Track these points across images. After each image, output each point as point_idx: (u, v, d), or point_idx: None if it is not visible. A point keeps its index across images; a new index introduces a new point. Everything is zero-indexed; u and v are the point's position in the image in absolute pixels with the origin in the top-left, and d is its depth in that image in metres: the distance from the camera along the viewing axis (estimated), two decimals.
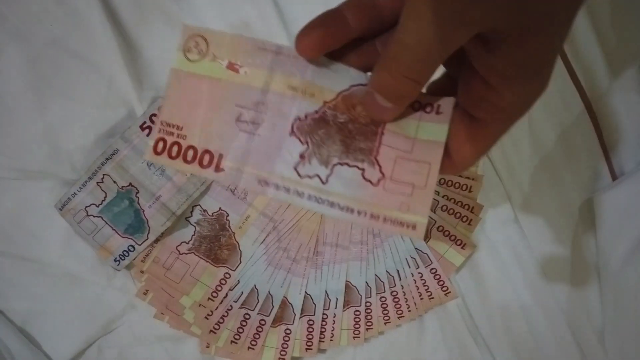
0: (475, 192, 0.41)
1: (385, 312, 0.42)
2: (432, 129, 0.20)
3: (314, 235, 0.41)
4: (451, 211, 0.41)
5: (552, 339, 0.42)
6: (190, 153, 0.21)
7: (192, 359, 0.42)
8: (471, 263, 0.42)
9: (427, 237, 0.41)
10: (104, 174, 0.39)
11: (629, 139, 0.41)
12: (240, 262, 0.41)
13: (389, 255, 0.41)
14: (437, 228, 0.41)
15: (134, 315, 0.42)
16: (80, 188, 0.39)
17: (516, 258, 0.42)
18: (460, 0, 0.15)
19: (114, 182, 0.39)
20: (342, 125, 0.21)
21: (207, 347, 0.41)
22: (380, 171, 0.21)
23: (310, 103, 0.21)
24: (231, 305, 0.41)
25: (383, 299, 0.42)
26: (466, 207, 0.41)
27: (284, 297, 0.42)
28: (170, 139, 0.21)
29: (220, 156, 0.21)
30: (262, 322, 0.41)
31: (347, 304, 0.42)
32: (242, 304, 0.41)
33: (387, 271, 0.41)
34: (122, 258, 0.40)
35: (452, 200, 0.41)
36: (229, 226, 0.41)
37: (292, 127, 0.21)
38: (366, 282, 0.41)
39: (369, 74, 0.21)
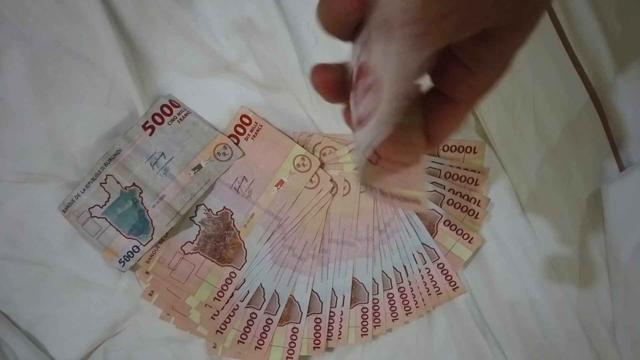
0: (482, 185, 0.40)
1: (393, 309, 0.41)
2: (411, 114, 0.21)
3: (319, 233, 0.41)
4: (457, 205, 0.40)
5: (562, 333, 0.41)
6: None
7: None
8: (479, 257, 0.42)
9: (433, 232, 0.41)
10: (107, 175, 0.38)
11: (636, 129, 0.40)
12: (246, 261, 0.41)
13: (395, 252, 0.41)
14: (444, 222, 0.40)
15: (139, 316, 0.42)
16: (84, 189, 0.39)
17: (524, 251, 0.41)
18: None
19: (117, 182, 0.39)
20: None
21: (214, 347, 0.41)
22: (376, 152, 0.22)
23: None
24: (237, 305, 0.41)
25: (390, 296, 0.41)
26: (472, 200, 0.40)
27: (291, 295, 0.41)
28: None
29: None
30: (269, 321, 0.41)
31: (354, 302, 0.41)
32: (248, 304, 0.41)
33: (394, 267, 0.41)
34: (127, 259, 0.39)
35: (459, 194, 0.40)
36: (234, 225, 0.41)
37: None
38: (373, 278, 0.41)
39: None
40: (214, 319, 0.40)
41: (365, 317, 0.41)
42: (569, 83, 0.40)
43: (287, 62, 0.38)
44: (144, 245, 0.39)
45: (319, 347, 0.41)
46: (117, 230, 0.39)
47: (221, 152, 0.40)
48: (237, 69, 0.39)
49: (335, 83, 0.20)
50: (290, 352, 0.41)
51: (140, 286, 0.41)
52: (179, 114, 0.40)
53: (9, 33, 0.37)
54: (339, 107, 0.22)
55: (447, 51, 0.19)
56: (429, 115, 0.21)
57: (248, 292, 0.41)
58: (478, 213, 0.40)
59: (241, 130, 0.41)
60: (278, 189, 0.41)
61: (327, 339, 0.41)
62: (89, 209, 0.39)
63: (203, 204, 0.41)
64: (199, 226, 0.41)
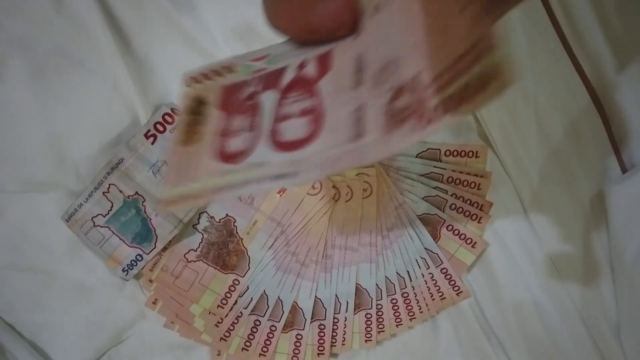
0: (484, 189, 0.40)
1: (397, 314, 0.41)
2: None
3: (322, 238, 0.41)
4: (460, 209, 0.40)
5: (567, 335, 0.41)
6: None
7: None
8: (482, 261, 0.42)
9: (436, 236, 0.41)
10: (109, 184, 0.39)
11: (638, 130, 0.40)
12: (249, 267, 0.41)
13: (398, 257, 0.41)
14: (447, 227, 0.40)
15: (144, 324, 0.42)
16: (87, 199, 0.39)
17: (528, 255, 0.41)
18: None
19: (120, 191, 0.39)
20: None
21: (219, 354, 0.41)
22: None
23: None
24: (241, 312, 0.41)
25: (394, 301, 0.41)
26: (475, 205, 0.40)
27: (294, 302, 0.41)
28: None
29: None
30: (273, 328, 0.41)
31: (357, 307, 0.41)
32: (252, 310, 0.41)
33: (397, 272, 0.41)
34: (131, 268, 0.39)
35: (461, 199, 0.40)
36: (237, 232, 0.41)
37: None
38: (376, 284, 0.41)
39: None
40: (217, 326, 0.40)
41: (369, 322, 0.41)
42: (570, 84, 0.40)
43: None
44: (147, 254, 0.39)
45: (323, 354, 0.41)
46: (120, 239, 0.39)
47: None
48: None
49: None
50: (295, 358, 0.41)
51: (144, 294, 0.41)
52: None
53: (10, 41, 0.37)
54: None
55: None
56: None
57: (252, 299, 0.41)
58: (481, 217, 0.40)
59: None
60: (280, 195, 0.41)
61: (331, 345, 0.41)
62: (92, 218, 0.39)
63: (206, 212, 0.41)
64: (202, 234, 0.41)
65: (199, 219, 0.41)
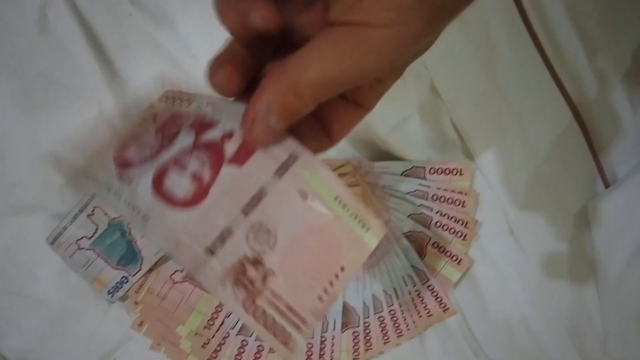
0: (469, 207, 0.41)
1: (385, 331, 0.41)
2: None
3: None
4: (445, 227, 0.41)
5: (555, 349, 0.41)
6: None
7: None
8: (469, 278, 0.42)
9: (423, 253, 0.41)
10: (94, 206, 0.39)
11: (619, 146, 0.41)
12: None
13: (385, 274, 0.41)
14: (432, 244, 0.41)
15: (131, 346, 0.42)
16: (71, 221, 0.39)
17: (514, 270, 0.42)
18: (409, 44, 0.17)
19: (105, 213, 0.39)
20: None
21: None
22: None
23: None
24: (228, 332, 0.41)
25: (381, 319, 0.41)
26: (460, 222, 0.40)
27: None
28: None
29: None
30: (261, 348, 0.41)
31: (345, 325, 0.41)
32: (239, 331, 0.41)
33: (384, 290, 0.41)
34: (116, 290, 0.39)
35: (446, 216, 0.40)
36: None
37: None
38: (364, 302, 0.41)
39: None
40: (204, 347, 0.40)
41: (356, 340, 0.41)
42: (553, 102, 0.40)
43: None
44: (133, 276, 0.39)
45: None
46: (106, 262, 0.39)
47: None
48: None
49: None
50: None
51: (130, 316, 0.41)
52: None
53: None
54: None
55: None
56: (334, 118, 0.22)
57: (238, 319, 0.41)
58: (466, 234, 0.40)
59: None
60: None
61: None
62: (76, 241, 0.39)
63: None
64: None
65: None
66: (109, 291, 0.39)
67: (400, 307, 0.41)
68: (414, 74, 0.40)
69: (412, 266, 0.41)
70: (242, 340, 0.41)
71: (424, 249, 0.41)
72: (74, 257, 0.39)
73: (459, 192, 0.41)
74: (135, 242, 0.39)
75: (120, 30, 0.37)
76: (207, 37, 0.38)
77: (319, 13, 0.20)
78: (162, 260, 0.40)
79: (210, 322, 0.40)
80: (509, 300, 0.42)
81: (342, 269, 0.19)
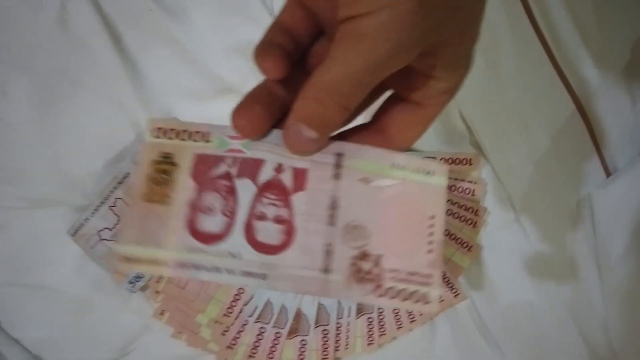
0: (479, 195, 0.42)
1: (398, 317, 0.43)
2: None
3: None
4: (456, 215, 0.42)
5: (559, 333, 0.43)
6: None
7: None
8: (478, 264, 0.43)
9: None
10: (116, 198, 0.39)
11: (620, 136, 0.43)
12: None
13: None
14: (444, 232, 0.42)
15: (149, 336, 0.42)
16: (93, 213, 0.39)
17: (520, 256, 0.43)
18: (404, 27, 0.16)
19: (127, 205, 0.39)
20: None
21: None
22: None
23: None
24: (247, 320, 0.42)
25: None
26: (470, 210, 0.42)
27: (298, 308, 0.42)
28: None
29: None
30: (278, 335, 0.42)
31: (360, 312, 0.42)
32: (257, 318, 0.42)
33: None
34: (137, 280, 0.40)
35: (457, 205, 0.42)
36: None
37: None
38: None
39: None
40: (224, 335, 0.41)
41: (371, 326, 0.42)
42: (555, 95, 0.42)
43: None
44: None
45: (327, 358, 0.42)
46: None
47: None
48: (239, 91, 0.41)
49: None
50: None
51: (151, 306, 0.42)
52: None
53: (14, 62, 0.38)
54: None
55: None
56: (394, 121, 0.22)
57: (256, 307, 0.42)
58: (476, 222, 0.42)
59: None
60: None
61: (335, 350, 0.42)
62: (98, 232, 0.40)
63: None
64: None
65: None
66: (130, 281, 0.40)
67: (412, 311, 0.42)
68: None
69: None
70: (260, 327, 0.42)
71: None
72: (95, 248, 0.40)
73: (468, 182, 0.42)
74: None
75: (140, 26, 0.38)
76: (221, 31, 0.39)
77: None
78: None
79: (229, 310, 0.41)
80: (515, 286, 0.43)
81: (432, 217, 0.21)
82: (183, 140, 0.22)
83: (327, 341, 0.42)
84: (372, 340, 0.42)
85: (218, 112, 0.42)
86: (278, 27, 0.21)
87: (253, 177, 0.21)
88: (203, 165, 0.21)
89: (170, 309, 0.41)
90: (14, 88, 0.38)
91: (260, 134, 0.21)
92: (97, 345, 0.42)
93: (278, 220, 0.21)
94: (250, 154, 0.21)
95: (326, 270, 0.20)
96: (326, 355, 0.42)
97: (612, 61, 0.42)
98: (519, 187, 0.43)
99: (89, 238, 0.39)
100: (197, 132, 0.21)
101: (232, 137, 0.21)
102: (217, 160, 0.21)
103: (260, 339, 0.42)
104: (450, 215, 0.42)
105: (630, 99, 0.42)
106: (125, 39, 0.38)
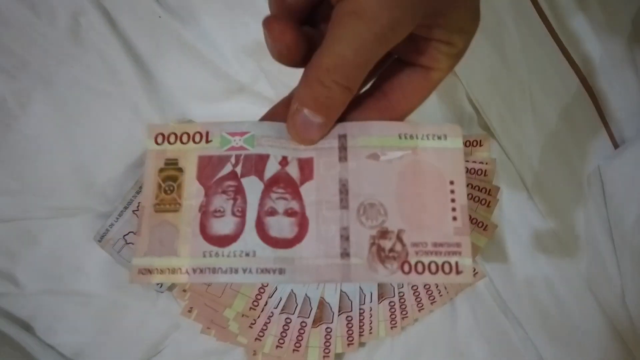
0: (491, 175, 0.43)
1: (419, 299, 0.44)
2: None
3: None
4: (470, 196, 0.43)
5: (577, 305, 0.44)
6: None
7: None
8: (494, 243, 0.44)
9: None
10: (139, 202, 0.40)
11: (626, 108, 0.43)
12: None
13: None
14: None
15: (178, 334, 0.44)
16: (117, 218, 0.40)
17: (534, 232, 0.44)
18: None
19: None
20: None
21: (254, 354, 0.43)
22: None
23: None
24: (272, 312, 0.43)
25: (415, 288, 0.43)
26: (483, 190, 0.43)
27: (321, 297, 0.43)
28: None
29: None
30: (303, 324, 0.43)
31: (381, 297, 0.43)
32: (282, 310, 0.43)
33: None
34: None
35: (470, 186, 0.43)
36: None
37: None
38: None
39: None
40: (251, 327, 0.42)
41: (393, 310, 0.44)
42: (560, 72, 0.43)
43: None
44: None
45: (352, 344, 0.43)
46: None
47: None
48: (251, 90, 0.42)
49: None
50: (326, 351, 0.43)
51: (178, 304, 0.43)
52: None
53: (33, 77, 0.39)
54: None
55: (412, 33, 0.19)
56: (399, 86, 0.21)
57: (281, 298, 0.43)
58: (490, 202, 0.43)
59: None
60: None
61: (360, 335, 0.43)
62: (123, 236, 0.41)
63: None
64: None
65: None
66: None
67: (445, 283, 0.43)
68: None
69: None
70: (285, 318, 0.43)
71: None
72: (122, 252, 0.41)
73: (480, 162, 0.43)
74: None
75: (151, 33, 0.39)
76: (230, 32, 0.40)
77: None
78: None
79: (255, 304, 0.43)
80: (531, 262, 0.44)
81: (451, 182, 0.20)
82: (184, 143, 0.21)
83: (351, 327, 0.43)
84: (395, 324, 0.43)
85: (232, 111, 0.44)
86: None
87: (259, 173, 0.21)
88: (207, 167, 0.21)
89: (198, 306, 0.42)
90: (34, 102, 0.39)
91: (292, 48, 0.19)
92: (129, 345, 0.43)
93: (289, 213, 0.20)
94: (253, 150, 0.21)
95: (346, 255, 0.20)
96: (351, 340, 0.43)
97: (614, 34, 0.42)
98: (529, 164, 0.44)
99: (115, 243, 0.41)
100: (196, 133, 0.21)
101: (231, 134, 0.21)
102: (221, 160, 0.21)
103: (287, 329, 0.43)
104: None
105: (634, 71, 0.42)
106: (137, 46, 0.39)
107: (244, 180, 0.21)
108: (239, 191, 0.21)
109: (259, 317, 0.42)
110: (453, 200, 0.20)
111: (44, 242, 0.42)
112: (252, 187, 0.21)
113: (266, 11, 0.39)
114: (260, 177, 0.21)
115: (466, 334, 0.44)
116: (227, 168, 0.21)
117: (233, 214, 0.20)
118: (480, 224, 0.43)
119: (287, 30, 0.19)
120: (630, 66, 0.42)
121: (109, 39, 0.38)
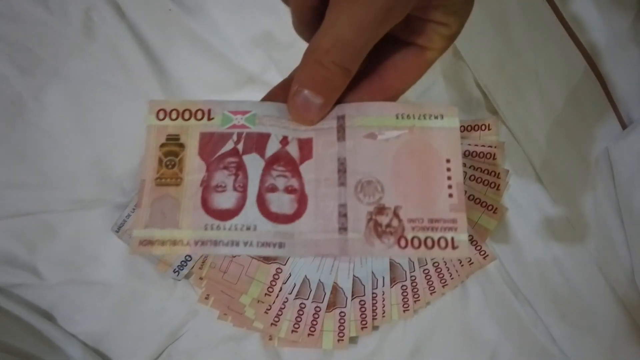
0: (499, 158, 0.44)
1: (430, 283, 0.44)
2: None
3: None
4: (479, 180, 0.43)
5: (587, 286, 0.44)
6: None
7: (255, 354, 0.45)
8: (503, 225, 0.45)
9: None
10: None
11: (633, 89, 0.43)
12: (289, 256, 0.44)
13: None
14: (469, 197, 0.44)
15: (196, 321, 0.45)
16: (134, 209, 0.41)
17: (543, 214, 0.45)
18: None
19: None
20: None
21: (270, 339, 0.44)
22: None
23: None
24: (287, 297, 0.44)
25: (426, 271, 0.44)
26: (492, 174, 0.43)
27: (334, 282, 0.44)
28: None
29: None
30: (318, 309, 0.44)
31: (393, 281, 0.44)
32: (296, 295, 0.44)
33: None
34: (181, 268, 0.42)
35: (479, 170, 0.43)
36: None
37: None
38: (409, 257, 0.44)
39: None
40: (267, 313, 0.43)
41: (405, 294, 0.44)
42: (567, 54, 0.43)
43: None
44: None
45: (366, 327, 0.44)
46: None
47: None
48: (261, 80, 0.42)
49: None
50: (341, 334, 0.44)
51: (195, 292, 0.44)
52: None
53: (47, 72, 0.40)
54: None
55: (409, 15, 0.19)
56: (395, 66, 0.22)
57: (295, 284, 0.44)
58: (499, 185, 0.43)
59: None
60: None
61: (373, 318, 0.44)
62: None
63: None
64: None
65: None
66: (174, 270, 0.42)
67: (443, 258, 0.44)
68: None
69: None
70: (300, 304, 0.44)
71: None
72: None
73: (488, 146, 0.43)
74: None
75: (161, 26, 0.40)
76: (239, 23, 0.41)
77: None
78: None
79: (270, 290, 0.43)
80: (540, 244, 0.45)
81: (447, 160, 0.21)
82: (186, 120, 0.22)
83: (364, 311, 0.44)
84: (407, 307, 0.44)
85: None
86: None
87: (260, 151, 0.21)
88: (209, 143, 0.21)
89: (215, 293, 0.43)
90: (49, 97, 0.40)
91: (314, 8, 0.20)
92: (149, 332, 0.44)
93: (289, 190, 0.21)
94: (254, 128, 0.21)
95: (344, 229, 0.20)
96: (365, 324, 0.44)
97: (621, 15, 0.42)
98: (537, 147, 0.44)
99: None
100: (198, 110, 0.22)
101: (233, 112, 0.22)
102: (223, 137, 0.21)
103: (302, 314, 0.44)
104: (473, 180, 0.44)
105: (639, 49, 0.42)
106: (148, 39, 0.40)
107: (245, 157, 0.21)
108: (241, 167, 0.21)
109: (274, 302, 0.43)
110: (449, 178, 0.21)
111: (63, 234, 0.43)
112: (253, 164, 0.21)
113: (274, 1, 0.40)
114: (261, 155, 0.21)
115: (477, 316, 0.45)
116: (229, 145, 0.21)
117: (234, 189, 0.21)
118: (490, 207, 0.43)
119: None
120: (636, 47, 0.42)
121: (121, 33, 0.39)
